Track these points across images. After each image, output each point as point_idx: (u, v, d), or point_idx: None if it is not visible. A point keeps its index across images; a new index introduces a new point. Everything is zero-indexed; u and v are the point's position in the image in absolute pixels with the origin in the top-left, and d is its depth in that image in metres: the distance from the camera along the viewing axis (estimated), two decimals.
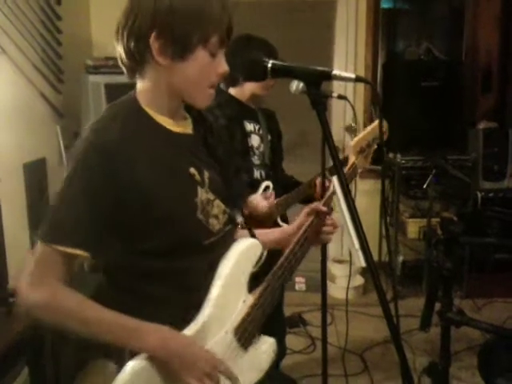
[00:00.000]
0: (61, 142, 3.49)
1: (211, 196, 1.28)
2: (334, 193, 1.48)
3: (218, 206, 1.30)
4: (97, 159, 1.13)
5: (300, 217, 1.50)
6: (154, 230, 1.18)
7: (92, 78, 3.42)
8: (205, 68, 1.19)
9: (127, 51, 1.20)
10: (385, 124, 1.79)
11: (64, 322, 1.15)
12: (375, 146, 1.78)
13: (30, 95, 3.18)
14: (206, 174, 1.28)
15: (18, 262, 2.99)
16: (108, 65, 3.55)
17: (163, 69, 1.19)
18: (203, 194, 1.26)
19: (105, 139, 1.15)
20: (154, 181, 1.17)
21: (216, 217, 1.29)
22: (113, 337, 1.16)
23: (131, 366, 1.14)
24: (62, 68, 3.46)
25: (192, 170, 1.25)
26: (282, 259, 1.38)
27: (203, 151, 1.32)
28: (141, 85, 1.25)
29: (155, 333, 1.15)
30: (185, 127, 1.29)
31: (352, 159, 1.64)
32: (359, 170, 1.68)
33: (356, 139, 1.67)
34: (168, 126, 1.25)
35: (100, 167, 1.12)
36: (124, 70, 1.26)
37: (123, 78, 3.98)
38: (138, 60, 1.20)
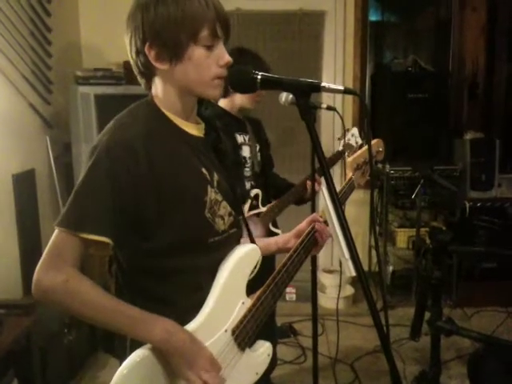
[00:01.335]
0: (50, 152, 3.48)
1: (219, 197, 1.32)
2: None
3: (224, 208, 1.34)
4: (121, 153, 1.17)
5: (300, 224, 1.54)
6: (165, 224, 1.22)
7: (82, 89, 3.42)
8: (203, 62, 1.23)
9: (134, 66, 1.28)
10: (382, 143, 1.83)
11: (75, 307, 1.17)
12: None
13: (20, 106, 3.18)
14: (216, 177, 1.33)
15: (6, 272, 2.98)
16: (97, 76, 3.56)
17: (166, 73, 1.25)
18: (212, 194, 1.30)
19: (129, 135, 1.20)
20: (170, 175, 1.22)
21: (222, 217, 1.33)
22: (120, 325, 1.19)
23: (136, 354, 1.17)
24: (52, 79, 3.46)
25: (203, 170, 1.30)
26: (280, 265, 1.41)
27: (213, 156, 1.38)
28: (154, 92, 1.30)
29: (161, 325, 1.18)
30: (198, 131, 1.34)
31: (349, 175, 1.68)
32: (356, 186, 1.70)
33: (353, 156, 1.71)
34: (183, 127, 1.30)
35: (123, 160, 1.17)
36: (141, 83, 1.32)
37: (112, 89, 3.98)
38: (144, 72, 1.27)
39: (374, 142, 1.81)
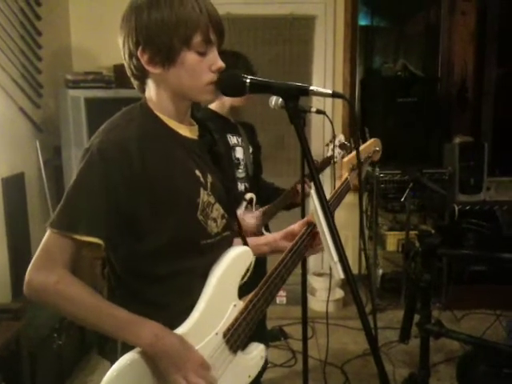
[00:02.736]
0: (40, 156, 3.47)
1: (212, 199, 1.33)
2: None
3: (217, 210, 1.34)
4: (115, 154, 1.17)
5: (293, 226, 1.54)
6: (158, 226, 1.22)
7: (71, 93, 3.42)
8: (195, 67, 1.24)
9: (127, 68, 1.29)
10: (379, 143, 1.84)
11: (65, 307, 1.18)
12: (367, 166, 1.84)
13: (10, 109, 3.17)
14: (209, 179, 1.33)
15: None
16: (87, 79, 3.56)
17: (159, 77, 1.25)
18: (205, 196, 1.30)
19: (123, 136, 1.20)
20: (163, 177, 1.22)
21: (214, 220, 1.33)
22: (109, 327, 1.19)
23: (126, 357, 1.17)
24: (42, 82, 3.46)
25: (197, 172, 1.30)
26: (273, 268, 1.40)
27: (207, 158, 1.38)
28: (148, 94, 1.31)
29: (149, 329, 1.18)
30: (192, 133, 1.35)
31: (345, 175, 1.68)
32: (352, 187, 1.71)
33: (349, 157, 1.72)
34: (177, 130, 1.30)
35: (117, 161, 1.17)
36: (134, 85, 1.33)
37: (103, 93, 3.98)
38: (137, 75, 1.28)
39: (371, 141, 1.82)
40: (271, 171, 2.79)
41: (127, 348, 1.19)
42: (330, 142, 2.62)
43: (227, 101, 2.35)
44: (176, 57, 1.21)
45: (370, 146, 1.81)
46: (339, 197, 1.63)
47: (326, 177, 3.98)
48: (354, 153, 1.75)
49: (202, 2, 1.21)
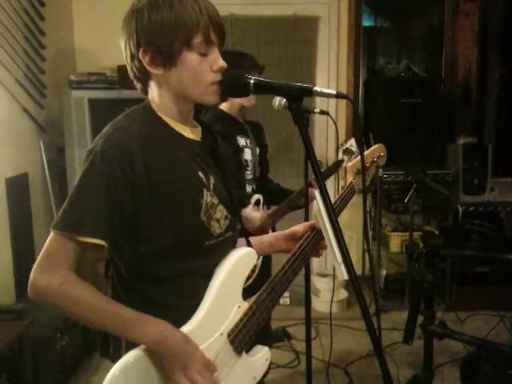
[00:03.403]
0: (44, 156, 3.48)
1: (215, 200, 1.33)
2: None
3: (220, 211, 1.34)
4: (116, 154, 1.18)
5: (296, 227, 1.54)
6: (160, 227, 1.22)
7: (75, 93, 3.43)
8: (196, 68, 1.24)
9: (130, 70, 1.29)
10: (383, 148, 1.85)
11: (69, 308, 1.19)
12: (374, 170, 1.85)
13: (13, 110, 3.17)
14: (212, 180, 1.34)
15: None
16: (91, 80, 3.56)
17: (161, 78, 1.26)
18: (208, 197, 1.30)
19: (126, 137, 1.20)
20: (166, 178, 1.23)
21: (218, 221, 1.33)
22: (113, 326, 1.19)
23: (129, 355, 1.17)
24: (46, 83, 3.46)
25: (200, 174, 1.31)
26: (278, 270, 1.40)
27: (210, 159, 1.38)
28: (151, 96, 1.31)
29: (154, 327, 1.19)
30: (194, 134, 1.35)
31: (350, 179, 1.69)
32: (357, 191, 1.71)
33: (354, 161, 1.73)
34: (180, 131, 1.31)
35: (118, 162, 1.17)
36: (137, 88, 1.33)
37: (106, 93, 3.98)
38: (139, 77, 1.29)
39: (375, 146, 1.84)
40: (275, 172, 2.79)
41: (131, 347, 1.19)
42: (341, 145, 2.63)
43: (236, 101, 2.34)
44: (177, 57, 1.22)
45: (375, 151, 1.82)
46: (344, 201, 1.64)
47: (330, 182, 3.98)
48: (358, 157, 1.76)
49: (201, 3, 1.22)
